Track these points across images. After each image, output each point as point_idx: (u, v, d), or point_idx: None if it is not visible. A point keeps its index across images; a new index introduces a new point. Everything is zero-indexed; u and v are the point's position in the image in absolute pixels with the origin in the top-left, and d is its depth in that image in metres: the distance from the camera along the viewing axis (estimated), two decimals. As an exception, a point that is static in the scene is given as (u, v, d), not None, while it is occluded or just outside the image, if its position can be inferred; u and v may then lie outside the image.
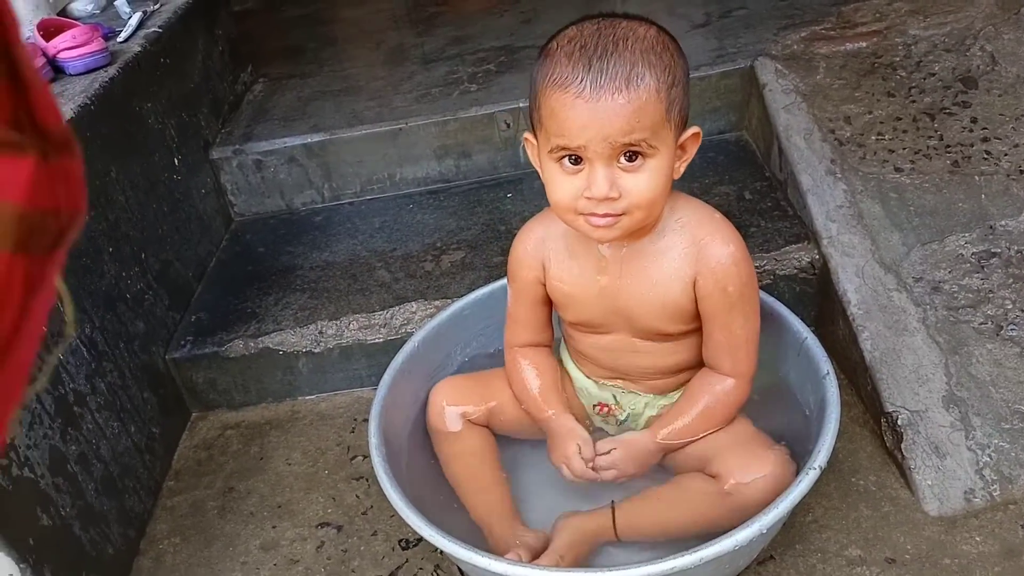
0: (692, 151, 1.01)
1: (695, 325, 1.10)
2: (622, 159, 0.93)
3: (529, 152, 1.05)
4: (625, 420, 1.23)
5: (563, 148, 0.94)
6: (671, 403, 1.18)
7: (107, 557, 1.24)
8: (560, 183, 0.98)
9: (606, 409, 1.22)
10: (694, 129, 0.99)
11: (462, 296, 1.42)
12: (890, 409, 1.22)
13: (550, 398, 1.21)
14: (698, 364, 1.15)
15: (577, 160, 0.95)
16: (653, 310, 1.08)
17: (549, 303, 1.20)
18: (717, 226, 1.06)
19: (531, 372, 1.22)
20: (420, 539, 1.24)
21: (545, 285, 1.16)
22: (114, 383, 1.35)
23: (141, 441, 1.40)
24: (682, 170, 1.01)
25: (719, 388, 1.11)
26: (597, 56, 0.90)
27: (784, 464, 1.04)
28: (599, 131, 0.90)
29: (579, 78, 0.90)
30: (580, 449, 1.12)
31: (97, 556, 1.22)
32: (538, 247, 1.14)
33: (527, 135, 1.04)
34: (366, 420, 1.45)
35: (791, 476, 1.02)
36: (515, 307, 1.22)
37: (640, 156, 0.93)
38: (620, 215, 0.96)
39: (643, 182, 0.94)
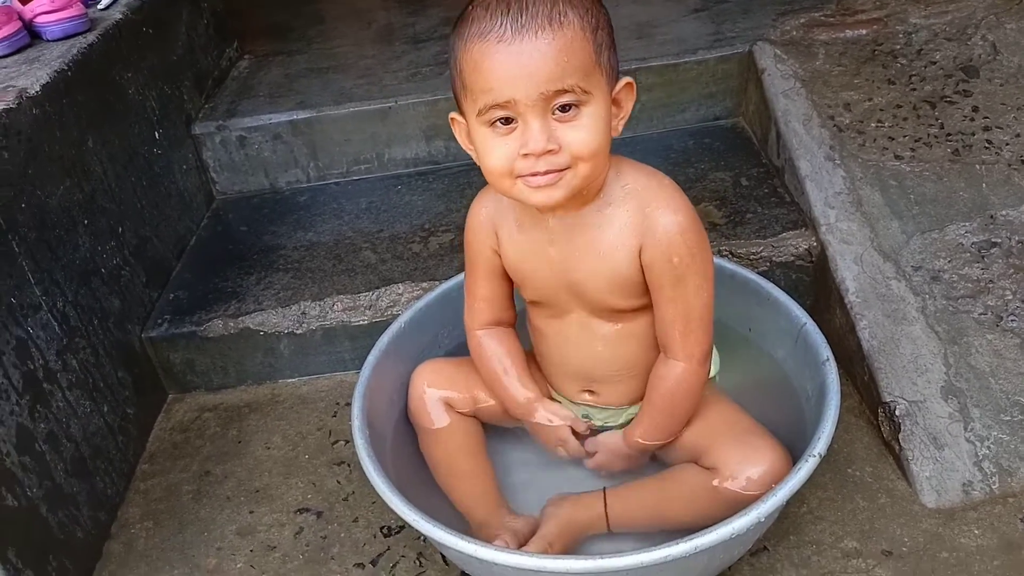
0: (628, 106, 0.94)
1: (646, 300, 1.03)
2: (556, 111, 0.86)
3: (457, 133, 0.98)
4: (601, 429, 1.17)
5: (492, 106, 0.86)
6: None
7: (76, 541, 1.19)
8: (493, 147, 0.89)
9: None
10: (626, 79, 0.92)
11: (450, 278, 1.38)
12: (888, 399, 1.19)
13: (525, 382, 1.14)
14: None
15: (508, 120, 0.87)
16: (602, 282, 1.01)
17: (508, 278, 1.13)
18: (666, 192, 0.98)
19: (499, 358, 1.15)
20: (403, 526, 1.19)
21: (500, 257, 1.10)
22: (87, 360, 1.29)
23: (114, 422, 1.34)
24: (620, 128, 0.94)
25: (672, 378, 1.04)
26: (516, 1, 0.84)
27: (782, 457, 1.00)
28: (528, 78, 0.83)
29: (499, 23, 0.84)
30: (571, 429, 1.13)
31: (66, 539, 1.17)
32: (490, 215, 1.08)
33: (452, 115, 0.97)
34: (348, 404, 1.41)
35: (788, 469, 0.99)
36: (473, 281, 1.14)
37: (574, 107, 0.86)
38: (564, 170, 0.88)
39: (583, 132, 0.87)
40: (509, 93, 0.85)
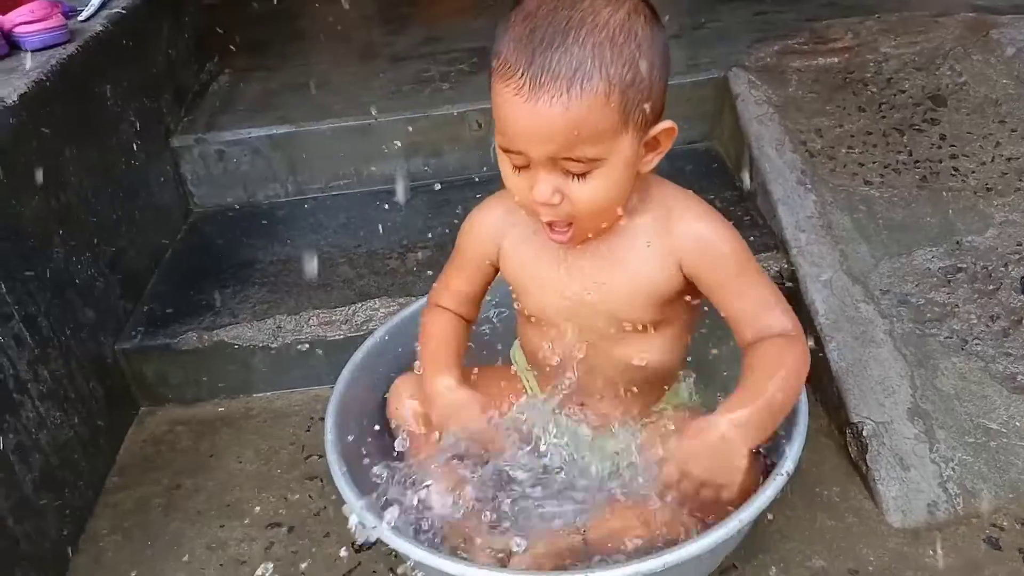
0: (667, 145, 0.92)
1: (663, 314, 1.01)
2: (569, 163, 0.86)
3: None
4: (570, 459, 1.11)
5: (507, 149, 0.88)
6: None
7: (43, 554, 1.18)
8: (509, 178, 0.92)
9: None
10: (666, 124, 0.90)
11: (427, 294, 1.38)
12: (856, 420, 1.21)
13: (451, 361, 1.09)
14: (662, 373, 1.08)
15: (524, 160, 0.88)
16: (625, 296, 0.99)
17: (486, 284, 1.14)
18: (688, 203, 0.99)
19: (441, 330, 1.13)
20: (375, 541, 1.19)
21: (498, 268, 1.09)
22: (58, 371, 1.28)
23: (85, 433, 1.33)
24: (654, 162, 0.92)
25: (789, 348, 0.94)
26: (542, 48, 0.81)
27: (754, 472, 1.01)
28: (538, 141, 0.84)
29: (520, 73, 0.82)
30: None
31: (33, 552, 1.15)
32: (496, 226, 1.07)
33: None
34: (322, 419, 1.40)
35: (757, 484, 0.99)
36: (454, 274, 1.15)
37: (585, 163, 0.86)
38: (569, 223, 0.91)
39: (590, 190, 0.88)
40: (521, 146, 0.86)
